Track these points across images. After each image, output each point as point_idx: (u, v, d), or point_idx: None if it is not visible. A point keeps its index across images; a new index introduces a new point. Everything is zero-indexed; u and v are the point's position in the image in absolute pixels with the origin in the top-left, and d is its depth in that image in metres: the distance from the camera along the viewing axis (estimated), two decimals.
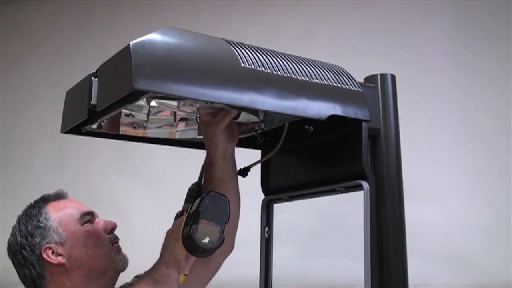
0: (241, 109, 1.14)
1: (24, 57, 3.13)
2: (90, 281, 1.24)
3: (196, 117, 1.29)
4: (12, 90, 3.10)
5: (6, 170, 2.95)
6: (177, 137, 1.32)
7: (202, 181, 1.28)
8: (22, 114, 3.05)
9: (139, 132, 1.25)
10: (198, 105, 1.19)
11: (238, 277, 2.06)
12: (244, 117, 1.20)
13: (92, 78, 1.01)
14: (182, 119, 1.30)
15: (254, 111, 1.17)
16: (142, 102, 1.16)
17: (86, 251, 1.24)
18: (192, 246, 1.11)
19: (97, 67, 1.02)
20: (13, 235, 1.28)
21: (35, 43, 3.13)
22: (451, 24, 2.44)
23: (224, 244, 1.14)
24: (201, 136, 1.30)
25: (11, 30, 3.20)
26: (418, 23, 2.49)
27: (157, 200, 2.58)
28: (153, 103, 1.19)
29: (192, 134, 1.33)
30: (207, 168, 1.27)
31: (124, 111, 1.19)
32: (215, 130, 1.20)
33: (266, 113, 1.16)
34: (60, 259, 1.23)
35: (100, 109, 1.00)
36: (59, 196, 1.34)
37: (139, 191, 2.67)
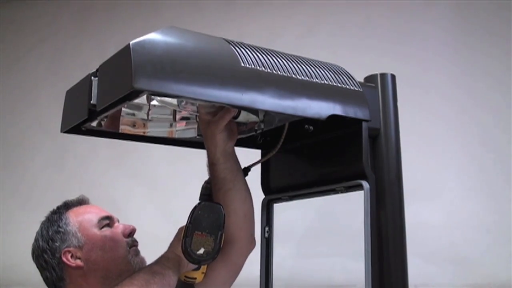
0: (241, 108, 1.14)
1: (23, 57, 3.13)
2: (107, 283, 1.26)
3: (196, 116, 1.29)
4: (12, 89, 3.10)
5: (5, 168, 2.95)
6: (176, 136, 1.32)
7: None
8: (22, 113, 3.06)
9: (139, 131, 1.25)
10: (198, 104, 1.19)
11: (238, 277, 2.06)
12: (243, 116, 1.20)
13: (92, 77, 1.01)
14: (182, 118, 1.30)
15: (254, 111, 1.17)
16: (142, 100, 1.16)
17: (103, 254, 1.28)
18: (189, 257, 1.15)
19: (97, 66, 1.02)
20: (36, 239, 1.32)
21: (35, 43, 3.13)
22: (452, 22, 2.44)
23: (241, 243, 1.17)
24: (201, 136, 1.30)
25: (11, 30, 3.20)
26: (418, 20, 2.49)
27: (155, 199, 2.58)
28: (153, 101, 1.20)
29: (191, 133, 1.33)
30: (209, 169, 1.27)
31: (124, 109, 1.19)
32: (215, 129, 1.20)
33: (266, 113, 1.16)
34: (79, 262, 1.27)
35: (100, 109, 1.00)
36: (80, 201, 1.38)
37: (138, 190, 2.67)
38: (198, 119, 1.30)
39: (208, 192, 1.25)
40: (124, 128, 1.23)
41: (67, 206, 1.35)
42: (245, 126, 1.29)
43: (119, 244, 1.30)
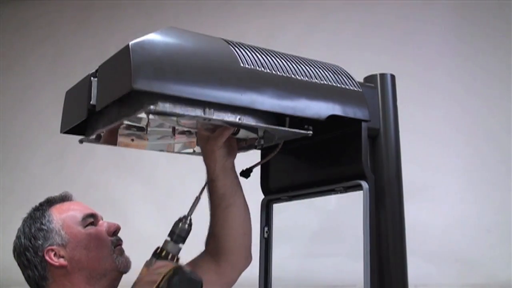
0: (240, 126, 1.12)
1: (24, 57, 3.13)
2: (91, 283, 1.25)
3: (195, 132, 1.28)
4: (12, 89, 3.10)
5: (5, 168, 2.95)
6: (175, 150, 1.32)
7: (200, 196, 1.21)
8: (22, 113, 3.06)
9: (138, 145, 1.24)
10: (196, 120, 1.17)
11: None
12: (243, 133, 1.18)
13: (92, 78, 1.01)
14: (181, 133, 1.29)
15: (253, 129, 1.14)
16: (141, 114, 1.16)
17: (87, 253, 1.25)
18: None
19: (97, 67, 1.02)
20: (18, 237, 1.29)
21: (35, 43, 3.14)
22: (452, 20, 2.44)
23: (237, 258, 1.16)
24: (199, 152, 1.29)
25: (11, 29, 3.20)
26: (418, 19, 2.49)
27: (154, 199, 2.59)
28: (152, 116, 1.19)
29: (190, 148, 1.32)
30: (209, 185, 1.25)
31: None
32: (214, 145, 1.18)
33: (266, 130, 1.14)
34: (62, 261, 1.24)
35: (99, 109, 1.00)
36: (63, 198, 1.35)
37: (137, 189, 2.67)
38: (197, 135, 1.29)
39: (184, 235, 1.13)
40: (122, 141, 1.22)
41: (50, 202, 1.33)
42: (245, 142, 1.28)
43: (104, 243, 1.27)
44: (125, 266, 1.29)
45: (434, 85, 2.39)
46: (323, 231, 2.16)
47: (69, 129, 1.15)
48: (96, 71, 1.02)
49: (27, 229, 1.28)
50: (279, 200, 1.38)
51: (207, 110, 0.95)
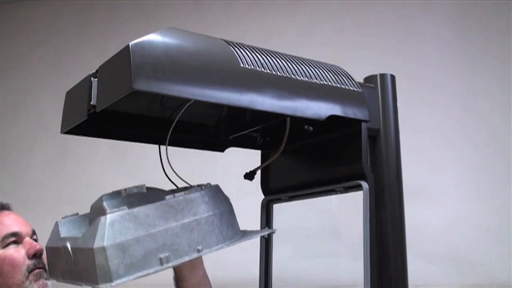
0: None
1: (24, 57, 3.13)
2: None
3: None
4: (12, 89, 3.10)
5: (5, 168, 2.95)
6: None
7: None
8: (22, 113, 3.05)
9: None
10: None
11: (238, 277, 2.06)
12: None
13: (92, 78, 1.01)
14: None
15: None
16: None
17: None
18: None
19: (97, 67, 1.02)
20: None
21: (35, 43, 3.14)
22: (452, 19, 2.44)
23: None
24: None
25: (11, 30, 3.20)
26: (419, 19, 2.48)
27: None
28: None
29: None
30: (175, 285, 1.19)
31: None
32: None
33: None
34: None
35: (99, 110, 1.00)
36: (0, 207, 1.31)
37: None
38: None
39: None
40: None
41: None
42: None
43: (17, 268, 1.22)
44: None
45: (434, 85, 2.39)
46: (323, 231, 2.17)
47: (69, 129, 1.15)
48: (96, 71, 1.02)
49: None
50: (279, 200, 1.38)
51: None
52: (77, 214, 1.19)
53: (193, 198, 1.02)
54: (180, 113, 1.16)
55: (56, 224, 1.15)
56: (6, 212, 1.32)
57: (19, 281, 1.22)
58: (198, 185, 1.15)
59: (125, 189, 1.17)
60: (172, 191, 1.23)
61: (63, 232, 1.12)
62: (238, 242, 1.07)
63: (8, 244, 1.24)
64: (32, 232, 1.31)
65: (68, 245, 0.97)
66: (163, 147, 1.26)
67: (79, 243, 0.95)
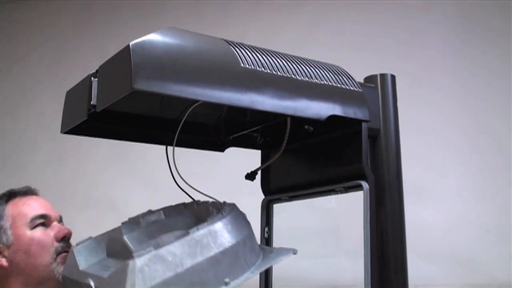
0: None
1: (24, 57, 3.13)
2: None
3: None
4: (12, 89, 3.10)
5: (5, 168, 2.95)
6: None
7: None
8: (22, 113, 3.05)
9: None
10: None
11: None
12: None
13: (92, 78, 1.01)
14: None
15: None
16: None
17: (26, 259, 1.22)
18: None
19: (97, 67, 1.02)
20: None
21: (35, 43, 3.13)
22: (453, 20, 2.43)
23: None
24: None
25: (11, 30, 3.20)
26: (419, 19, 2.48)
27: (155, 199, 2.58)
28: None
29: None
30: None
31: None
32: None
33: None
34: (3, 261, 1.22)
35: (99, 109, 1.00)
36: (25, 192, 1.32)
37: (137, 190, 2.67)
38: None
39: None
40: None
41: (10, 196, 1.29)
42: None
43: (45, 249, 1.23)
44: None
45: (434, 85, 2.39)
46: (323, 231, 2.17)
47: (69, 129, 1.15)
48: (97, 71, 1.02)
49: None
50: (279, 200, 1.38)
51: None
52: (90, 238, 1.18)
53: (217, 230, 1.00)
54: (186, 114, 1.17)
55: (72, 252, 1.14)
56: (34, 197, 1.33)
57: (47, 262, 1.22)
58: (213, 202, 1.14)
59: (143, 217, 1.16)
60: (184, 205, 1.22)
61: (82, 263, 1.11)
62: (262, 268, 1.06)
63: (36, 226, 1.24)
64: (60, 218, 1.32)
65: (92, 284, 0.96)
66: (166, 148, 1.26)
67: (105, 285, 0.94)
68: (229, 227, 1.02)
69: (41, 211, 1.27)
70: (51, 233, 1.25)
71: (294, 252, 1.09)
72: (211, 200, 1.19)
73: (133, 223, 1.12)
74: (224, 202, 1.14)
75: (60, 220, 1.32)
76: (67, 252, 1.23)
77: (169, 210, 1.20)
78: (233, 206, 1.12)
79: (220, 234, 1.00)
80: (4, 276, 1.22)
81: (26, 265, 1.21)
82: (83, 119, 1.05)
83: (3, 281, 1.23)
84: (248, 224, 1.11)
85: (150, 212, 1.17)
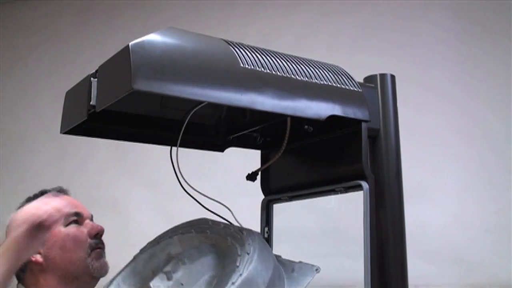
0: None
1: (24, 57, 3.13)
2: (62, 284, 1.25)
3: None
4: (12, 89, 3.10)
5: (5, 168, 2.95)
6: None
7: None
8: (22, 113, 3.05)
9: None
10: None
11: None
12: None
13: (92, 78, 1.01)
14: None
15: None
16: None
17: (61, 254, 1.25)
18: None
19: (97, 67, 1.02)
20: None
21: (35, 43, 3.13)
22: (452, 21, 2.43)
23: None
24: None
25: (11, 30, 3.20)
26: (418, 20, 2.48)
27: (155, 199, 2.58)
28: None
29: None
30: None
31: None
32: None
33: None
34: (38, 257, 1.25)
35: (99, 110, 1.00)
36: (58, 191, 1.35)
37: (138, 190, 2.67)
38: None
39: None
40: None
41: (43, 194, 1.32)
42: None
43: (80, 245, 1.26)
44: (99, 271, 1.27)
45: (434, 85, 2.39)
46: (323, 231, 2.17)
47: (69, 129, 1.15)
48: (96, 71, 1.02)
49: None
50: (279, 200, 1.38)
51: None
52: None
53: (251, 278, 0.99)
54: (190, 115, 1.17)
55: None
56: (66, 196, 1.36)
57: (82, 257, 1.25)
58: (226, 227, 1.12)
59: (171, 272, 1.12)
60: (195, 230, 1.19)
61: None
62: None
63: (69, 223, 1.27)
64: (91, 216, 1.35)
65: None
66: (170, 150, 1.26)
67: None
68: (259, 268, 1.01)
69: (74, 209, 1.30)
70: (84, 230, 1.29)
71: (318, 270, 1.08)
72: (222, 223, 1.16)
73: (161, 278, 1.10)
74: (241, 229, 1.12)
75: (91, 219, 1.35)
76: (100, 248, 1.28)
77: (188, 251, 1.16)
78: (253, 236, 1.09)
79: (254, 282, 0.99)
80: (40, 271, 1.25)
81: (62, 260, 1.24)
82: (83, 119, 1.05)
83: (38, 277, 1.25)
84: (270, 251, 1.11)
85: (169, 256, 1.15)
